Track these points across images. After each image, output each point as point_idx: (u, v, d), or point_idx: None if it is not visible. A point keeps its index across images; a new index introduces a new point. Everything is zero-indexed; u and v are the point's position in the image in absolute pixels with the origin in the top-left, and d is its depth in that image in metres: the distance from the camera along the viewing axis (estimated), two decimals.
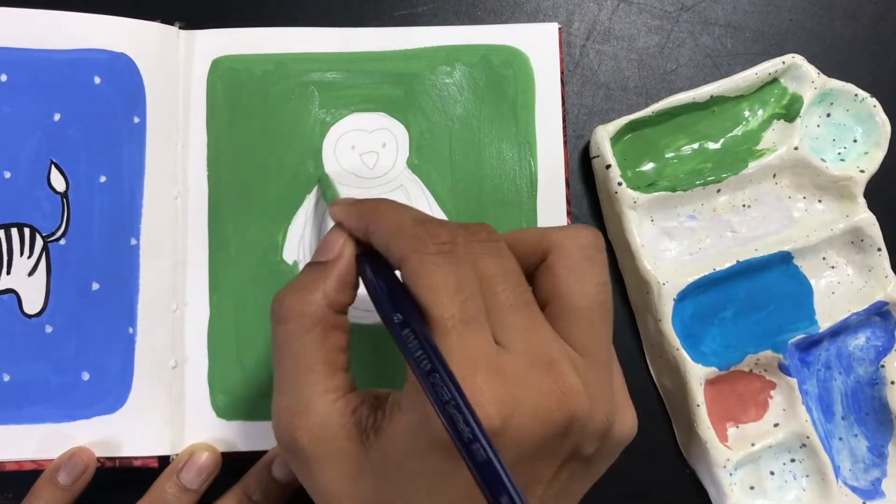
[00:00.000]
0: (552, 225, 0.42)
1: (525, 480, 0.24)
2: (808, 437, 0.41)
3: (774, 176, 0.43)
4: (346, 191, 0.42)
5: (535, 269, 0.28)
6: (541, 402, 0.23)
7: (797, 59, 0.42)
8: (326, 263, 0.28)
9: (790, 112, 0.43)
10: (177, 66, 0.42)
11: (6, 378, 0.39)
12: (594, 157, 0.42)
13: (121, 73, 0.40)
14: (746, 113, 0.43)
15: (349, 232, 0.28)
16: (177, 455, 0.40)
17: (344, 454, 0.26)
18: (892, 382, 0.42)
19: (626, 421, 0.27)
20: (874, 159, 0.42)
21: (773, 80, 0.43)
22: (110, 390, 0.39)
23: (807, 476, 0.42)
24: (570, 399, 0.23)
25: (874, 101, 0.42)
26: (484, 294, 0.24)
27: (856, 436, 0.43)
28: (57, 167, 0.40)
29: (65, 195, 0.40)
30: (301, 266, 0.41)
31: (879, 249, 0.42)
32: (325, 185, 0.40)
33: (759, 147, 0.43)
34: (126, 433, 0.39)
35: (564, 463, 0.25)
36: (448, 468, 0.23)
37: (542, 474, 0.25)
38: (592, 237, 0.27)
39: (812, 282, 0.43)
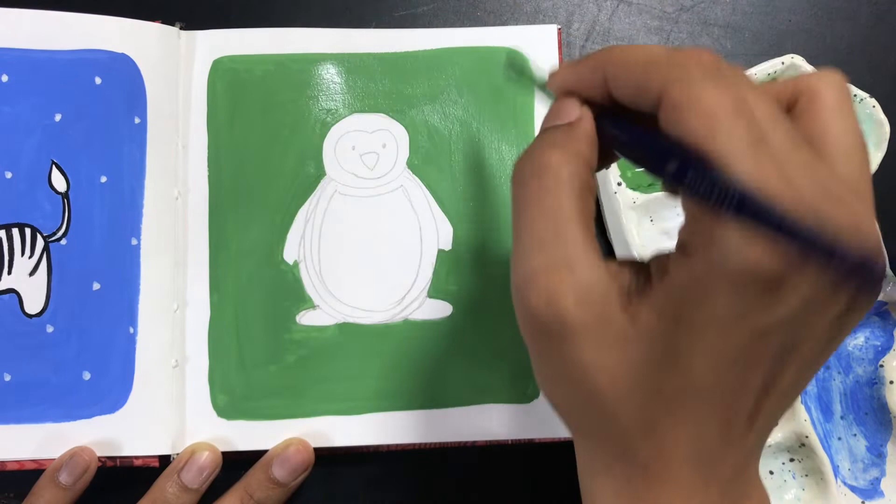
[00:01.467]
0: None
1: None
2: (807, 437, 0.41)
3: None
4: (346, 190, 0.42)
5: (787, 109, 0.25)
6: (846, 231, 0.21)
7: (796, 60, 0.42)
8: (570, 125, 0.25)
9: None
10: (177, 67, 0.42)
11: (7, 378, 0.39)
12: None
13: (121, 74, 0.41)
14: None
15: (580, 85, 0.25)
16: (177, 454, 0.40)
17: (612, 321, 0.23)
18: (891, 382, 0.42)
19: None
20: (873, 160, 0.42)
21: (773, 81, 0.43)
22: (111, 390, 0.39)
23: (806, 476, 0.42)
24: (863, 230, 0.22)
25: (873, 101, 0.42)
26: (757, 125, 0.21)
27: (855, 435, 0.43)
28: (58, 167, 0.40)
29: (65, 195, 0.40)
30: (301, 266, 0.41)
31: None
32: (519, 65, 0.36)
33: None
34: (127, 433, 0.39)
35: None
36: (749, 303, 0.21)
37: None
38: (843, 78, 0.25)
39: None
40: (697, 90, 0.21)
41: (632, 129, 0.24)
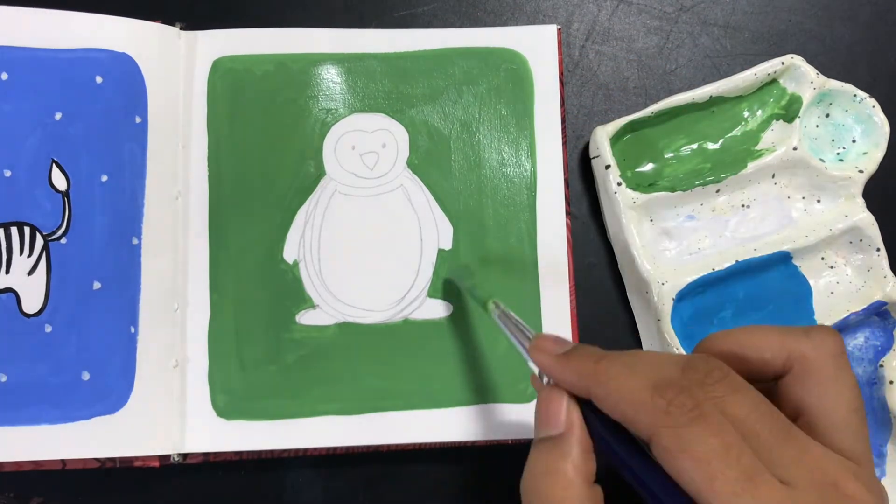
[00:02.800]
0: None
1: None
2: None
3: (773, 176, 0.43)
4: (346, 190, 0.42)
5: (772, 377, 0.26)
6: None
7: (796, 60, 0.42)
8: (561, 437, 0.26)
9: (789, 112, 0.43)
10: (178, 67, 0.42)
11: (4, 378, 0.39)
12: (594, 158, 0.42)
13: (122, 73, 0.41)
14: (745, 113, 0.44)
15: (561, 385, 0.27)
16: (177, 454, 0.40)
17: None
18: (891, 382, 0.42)
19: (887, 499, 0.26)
20: (873, 159, 0.42)
21: (773, 81, 0.43)
22: (111, 390, 0.39)
23: None
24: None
25: (873, 101, 0.42)
26: (746, 438, 0.23)
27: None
28: (58, 166, 0.40)
29: (66, 194, 0.40)
30: (301, 266, 0.41)
31: (878, 249, 0.42)
32: (465, 276, 0.38)
33: (758, 147, 0.43)
34: (126, 433, 0.39)
35: None
36: None
37: None
38: (838, 343, 0.26)
39: (811, 282, 0.43)
40: (687, 437, 0.22)
41: (627, 450, 0.25)
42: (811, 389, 0.25)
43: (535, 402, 0.41)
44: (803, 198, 0.43)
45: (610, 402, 0.25)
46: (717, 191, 0.43)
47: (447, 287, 0.42)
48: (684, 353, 0.40)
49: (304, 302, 0.41)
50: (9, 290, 0.39)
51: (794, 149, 0.42)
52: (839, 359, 0.25)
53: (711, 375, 0.24)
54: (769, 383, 0.26)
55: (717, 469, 0.22)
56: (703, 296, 0.42)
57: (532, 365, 0.28)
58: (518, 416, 0.41)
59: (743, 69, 0.42)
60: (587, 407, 0.26)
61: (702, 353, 0.26)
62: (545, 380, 0.28)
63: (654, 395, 0.23)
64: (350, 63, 0.43)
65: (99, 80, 0.40)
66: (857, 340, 0.43)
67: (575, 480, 0.25)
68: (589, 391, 0.25)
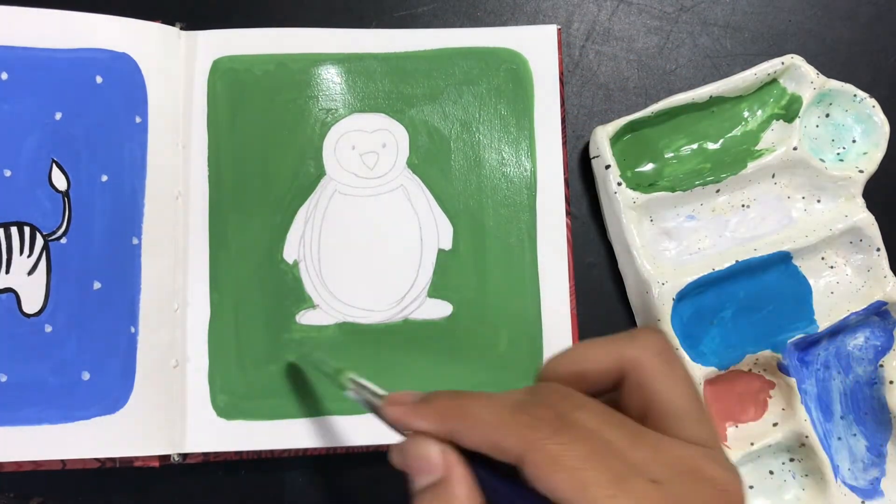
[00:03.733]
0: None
1: None
2: (807, 437, 0.41)
3: (773, 176, 0.43)
4: (346, 190, 0.42)
5: (608, 388, 0.27)
6: None
7: (796, 60, 0.42)
8: (443, 481, 0.25)
9: (789, 112, 0.43)
10: (178, 67, 0.42)
11: (4, 378, 0.39)
12: (594, 158, 0.42)
13: (122, 73, 0.41)
14: (746, 113, 0.44)
15: (424, 432, 0.26)
16: (177, 454, 0.40)
17: None
18: (891, 382, 0.42)
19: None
20: (873, 159, 0.42)
21: (773, 81, 0.43)
22: (112, 390, 0.39)
23: (806, 475, 0.42)
24: (731, 488, 0.24)
25: (873, 101, 0.43)
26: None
27: (854, 435, 0.43)
28: (58, 166, 0.40)
29: (66, 194, 0.40)
30: (301, 266, 0.41)
31: (878, 249, 0.42)
32: (325, 368, 0.37)
33: (758, 147, 0.43)
34: (127, 433, 0.39)
35: None
36: None
37: None
38: (660, 340, 0.27)
39: (811, 281, 0.43)
40: (556, 449, 0.23)
41: (506, 486, 0.24)
42: (646, 389, 0.26)
43: None
44: (803, 198, 0.43)
45: (476, 433, 0.24)
46: (717, 191, 0.43)
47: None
48: (685, 354, 0.41)
49: (304, 302, 0.41)
50: (9, 290, 0.39)
51: (794, 149, 0.42)
52: (665, 354, 0.26)
53: (553, 397, 0.25)
54: (613, 393, 0.27)
55: (589, 476, 0.22)
56: (703, 296, 0.42)
57: (392, 430, 0.28)
58: None
59: (743, 69, 0.42)
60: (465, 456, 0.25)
61: (541, 382, 0.27)
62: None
63: (515, 413, 0.24)
64: (350, 63, 0.43)
65: (99, 80, 0.40)
66: (857, 340, 0.43)
67: None
68: (451, 428, 0.25)
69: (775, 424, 0.42)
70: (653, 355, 0.26)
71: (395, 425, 0.28)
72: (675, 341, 0.41)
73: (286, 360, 0.41)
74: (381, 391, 0.30)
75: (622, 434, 0.24)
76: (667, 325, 0.41)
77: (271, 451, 0.40)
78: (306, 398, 0.41)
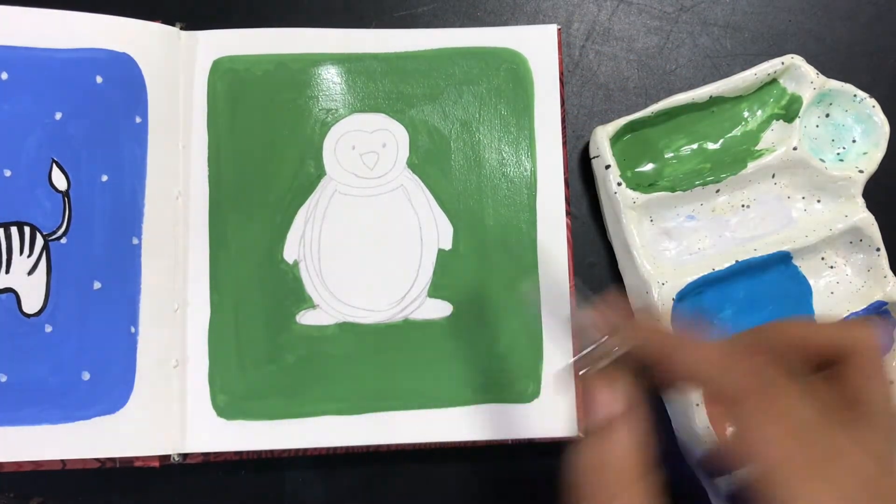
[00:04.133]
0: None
1: None
2: None
3: (773, 176, 0.43)
4: (346, 190, 0.42)
5: (820, 366, 0.28)
6: None
7: (796, 60, 0.42)
8: (618, 421, 0.26)
9: (789, 112, 0.43)
10: (178, 67, 0.42)
11: (4, 378, 0.39)
12: (594, 158, 0.42)
13: (122, 73, 0.41)
14: (745, 113, 0.44)
15: (638, 355, 0.27)
16: (177, 454, 0.40)
17: None
18: (891, 382, 0.42)
19: None
20: (873, 159, 0.42)
21: (773, 81, 0.43)
22: (112, 390, 0.39)
23: None
24: None
25: (873, 101, 0.43)
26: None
27: None
28: (58, 166, 0.40)
29: (66, 194, 0.40)
30: (301, 266, 0.41)
31: (878, 249, 0.42)
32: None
33: (758, 147, 0.43)
34: (127, 433, 0.39)
35: None
36: None
37: None
38: (877, 337, 0.28)
39: (811, 282, 0.43)
40: (781, 404, 0.24)
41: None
42: (863, 383, 0.26)
43: (535, 401, 0.41)
44: (803, 198, 0.43)
45: (692, 365, 0.25)
46: (717, 191, 0.43)
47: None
48: None
49: (305, 302, 0.41)
50: (9, 290, 0.39)
51: (794, 149, 0.42)
52: (879, 356, 0.27)
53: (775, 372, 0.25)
54: (818, 374, 0.28)
55: (802, 442, 0.23)
56: (703, 296, 0.42)
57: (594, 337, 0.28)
58: (518, 416, 0.41)
59: (743, 69, 0.42)
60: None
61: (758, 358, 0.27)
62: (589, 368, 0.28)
63: (739, 360, 0.25)
64: (350, 63, 0.43)
65: (99, 80, 0.40)
66: None
67: (631, 469, 0.25)
68: (670, 356, 0.26)
69: None
70: (873, 349, 0.27)
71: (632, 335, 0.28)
72: None
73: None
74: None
75: (826, 422, 0.24)
76: (667, 326, 0.41)
77: (271, 451, 0.40)
78: (306, 398, 0.41)
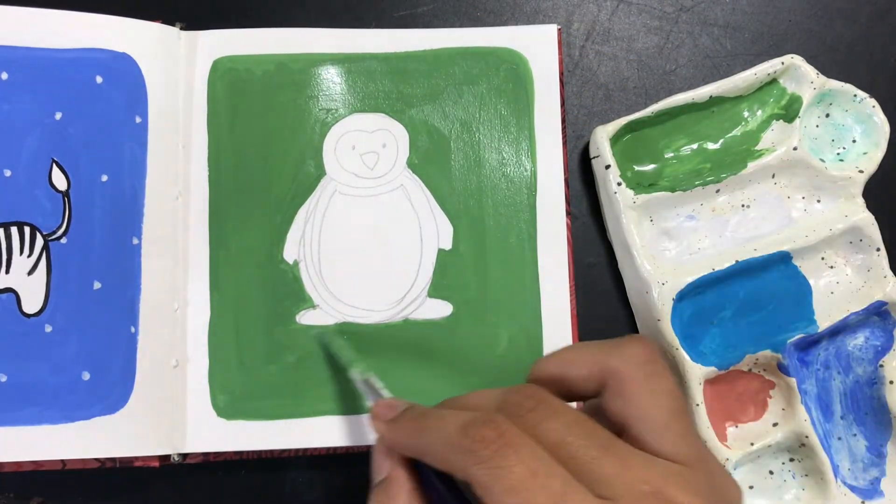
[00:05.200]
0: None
1: None
2: (807, 437, 0.41)
3: (773, 176, 0.43)
4: (346, 190, 0.42)
5: (592, 394, 0.27)
6: None
7: (796, 60, 0.42)
8: (386, 481, 0.28)
9: (789, 112, 0.43)
10: (178, 67, 0.42)
11: (4, 378, 0.39)
12: (594, 158, 0.42)
13: (122, 73, 0.41)
14: (745, 113, 0.44)
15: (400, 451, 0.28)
16: (177, 454, 0.40)
17: None
18: (891, 382, 0.42)
19: (735, 493, 0.26)
20: (873, 159, 0.42)
21: (773, 81, 0.43)
22: (112, 390, 0.39)
23: (805, 475, 0.42)
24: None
25: (873, 101, 0.43)
26: (562, 461, 0.23)
27: (854, 435, 0.43)
28: (58, 166, 0.40)
29: (66, 194, 0.40)
30: (301, 266, 0.42)
31: (878, 249, 0.42)
32: (336, 348, 0.40)
33: (758, 147, 0.43)
34: (127, 433, 0.39)
35: None
36: None
37: None
38: (648, 350, 0.27)
39: (811, 282, 0.43)
40: (495, 471, 0.23)
41: (441, 480, 0.27)
42: (627, 400, 0.26)
43: None
44: (803, 198, 0.43)
45: (430, 453, 0.26)
46: (717, 191, 0.43)
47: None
48: (685, 354, 0.41)
49: (305, 302, 0.41)
50: (9, 290, 0.39)
51: (794, 149, 0.42)
52: (649, 366, 0.26)
53: (524, 405, 0.25)
54: (597, 399, 0.27)
55: (527, 497, 0.22)
56: (703, 296, 0.42)
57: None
58: None
59: (743, 69, 0.42)
60: (426, 468, 0.27)
61: (523, 384, 0.27)
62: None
63: (460, 437, 0.24)
64: (350, 63, 0.43)
65: (99, 80, 0.40)
66: (857, 340, 0.43)
67: None
68: (415, 449, 0.27)
69: (775, 424, 0.42)
70: (635, 366, 0.26)
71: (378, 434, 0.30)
72: (676, 341, 0.40)
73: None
74: (384, 392, 0.32)
75: (590, 445, 0.24)
76: (667, 326, 0.41)
77: (271, 451, 0.40)
78: (306, 398, 0.41)
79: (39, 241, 0.40)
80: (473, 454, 0.24)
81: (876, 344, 0.43)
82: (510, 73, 0.43)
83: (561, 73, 0.43)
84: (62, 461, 0.39)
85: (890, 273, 0.42)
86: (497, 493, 0.23)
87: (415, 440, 0.27)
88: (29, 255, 0.39)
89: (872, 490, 0.42)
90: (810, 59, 0.42)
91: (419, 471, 0.28)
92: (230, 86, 0.42)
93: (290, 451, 0.41)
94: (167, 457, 0.40)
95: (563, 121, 0.43)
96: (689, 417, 0.27)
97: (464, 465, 0.24)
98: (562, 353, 0.28)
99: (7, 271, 0.39)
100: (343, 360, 0.37)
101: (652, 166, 0.43)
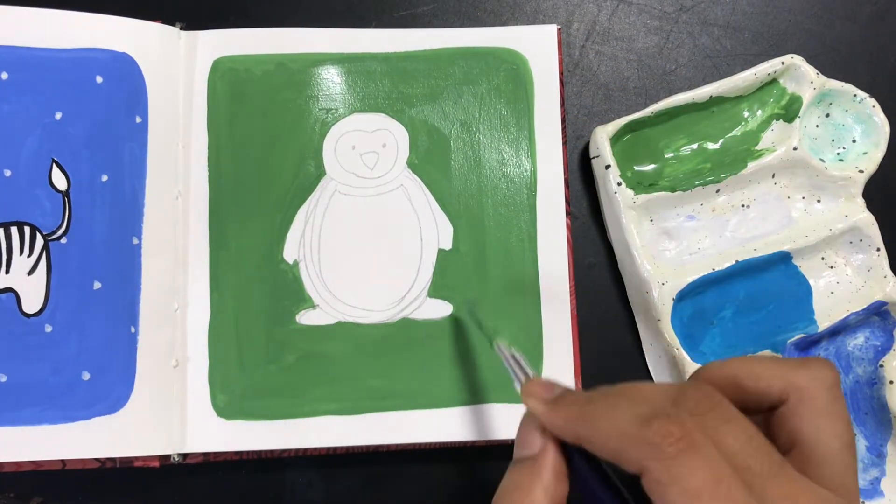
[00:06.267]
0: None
1: None
2: None
3: (773, 176, 0.43)
4: (346, 190, 0.42)
5: (767, 408, 0.26)
6: None
7: (796, 60, 0.42)
8: (533, 459, 0.27)
9: (789, 112, 0.43)
10: (178, 67, 0.42)
11: (4, 378, 0.39)
12: (594, 158, 0.42)
13: (123, 73, 0.41)
14: (745, 113, 0.44)
15: (556, 434, 0.27)
16: (177, 454, 0.40)
17: None
18: (891, 382, 0.42)
19: None
20: (873, 159, 0.42)
21: (773, 81, 0.43)
22: (112, 390, 0.39)
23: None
24: None
25: (873, 101, 0.42)
26: (737, 471, 0.22)
27: (854, 435, 0.43)
28: (58, 166, 0.40)
29: (66, 194, 0.40)
30: (301, 265, 0.41)
31: (878, 249, 0.42)
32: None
33: (758, 147, 0.43)
34: (127, 433, 0.39)
35: None
36: None
37: None
38: (833, 374, 0.26)
39: (811, 282, 0.43)
40: (677, 469, 0.22)
41: (596, 468, 0.26)
42: (807, 420, 0.25)
43: None
44: (803, 198, 0.43)
45: (598, 442, 0.25)
46: (717, 191, 0.43)
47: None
48: (685, 354, 0.41)
49: (304, 302, 0.41)
50: (9, 290, 0.39)
51: (794, 149, 0.42)
52: (834, 390, 0.25)
53: (702, 405, 0.24)
54: (762, 414, 0.26)
55: (709, 500, 0.21)
56: (703, 296, 0.42)
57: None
58: (517, 416, 0.41)
59: (743, 69, 0.42)
60: (578, 454, 0.26)
61: (695, 382, 0.26)
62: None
63: (641, 428, 0.23)
64: (350, 63, 0.43)
65: (99, 79, 0.40)
66: (857, 340, 0.43)
67: (542, 499, 0.26)
68: (577, 435, 0.25)
69: None
70: (823, 387, 0.25)
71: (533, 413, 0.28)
72: (676, 341, 0.40)
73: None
74: (527, 368, 0.31)
75: (763, 461, 0.23)
76: (667, 326, 0.41)
77: (271, 451, 0.40)
78: (306, 398, 0.41)
79: (39, 241, 0.40)
80: (656, 448, 0.22)
81: (876, 344, 0.43)
82: (510, 73, 0.43)
83: (561, 74, 0.43)
84: (62, 461, 0.39)
85: (890, 273, 0.42)
86: (675, 493, 0.22)
87: (579, 425, 0.25)
88: (29, 255, 0.39)
89: (872, 490, 0.42)
90: (810, 59, 0.42)
91: (568, 455, 0.27)
92: (230, 86, 0.42)
93: (290, 451, 0.41)
94: (167, 457, 0.40)
95: (563, 121, 0.43)
96: (856, 453, 0.26)
97: (639, 458, 0.23)
98: (740, 360, 0.27)
99: (7, 271, 0.39)
100: (489, 331, 0.36)
101: (652, 166, 0.43)
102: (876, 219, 0.42)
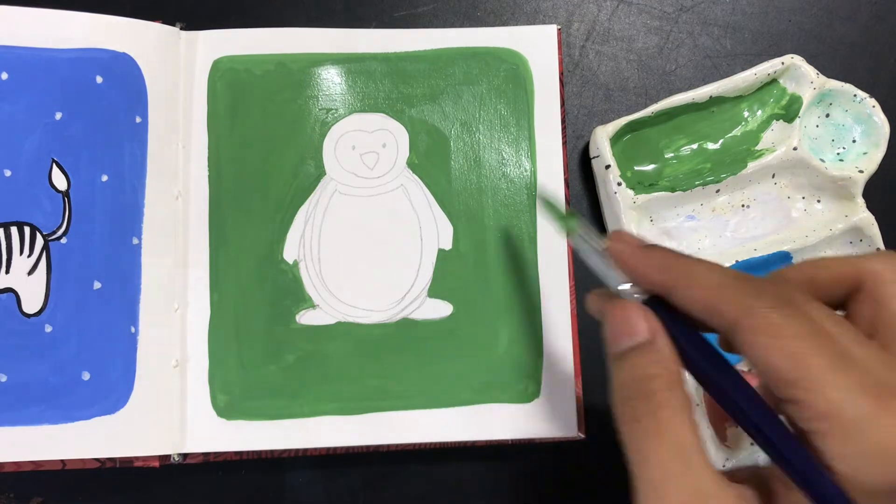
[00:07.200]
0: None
1: None
2: None
3: (773, 176, 0.43)
4: (346, 190, 0.42)
5: (838, 300, 0.26)
6: None
7: (796, 60, 0.42)
8: (649, 343, 0.25)
9: (789, 112, 0.43)
10: (178, 67, 0.42)
11: (4, 378, 0.39)
12: (594, 158, 0.42)
13: (123, 73, 0.41)
14: (745, 113, 0.44)
15: (639, 279, 0.26)
16: (177, 454, 0.40)
17: None
18: None
19: None
20: (873, 159, 0.42)
21: (773, 81, 0.43)
22: (112, 390, 0.39)
23: None
24: None
25: (873, 101, 0.42)
26: (830, 335, 0.22)
27: None
28: (58, 166, 0.40)
29: (66, 194, 0.40)
30: (301, 265, 0.41)
31: (878, 250, 0.42)
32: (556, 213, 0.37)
33: (758, 147, 0.43)
34: (127, 433, 0.39)
35: None
36: None
37: None
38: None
39: None
40: (776, 318, 0.22)
41: (703, 350, 0.25)
42: (883, 305, 0.24)
43: (535, 401, 0.41)
44: (803, 198, 0.43)
45: (695, 292, 0.24)
46: (717, 191, 0.43)
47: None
48: None
49: (304, 302, 0.41)
50: (9, 290, 0.39)
51: (794, 149, 0.42)
52: None
53: (782, 286, 0.24)
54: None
55: (809, 351, 0.21)
56: None
57: (608, 276, 0.28)
58: (518, 416, 0.41)
59: (743, 69, 0.42)
60: (659, 308, 0.25)
61: (773, 279, 0.26)
62: (620, 287, 0.27)
63: (739, 280, 0.23)
64: (350, 63, 0.43)
65: (99, 80, 0.40)
66: None
67: (678, 383, 0.24)
68: (668, 284, 0.25)
69: None
70: (887, 275, 0.25)
71: (618, 263, 0.27)
72: None
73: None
74: (602, 238, 0.29)
75: (849, 336, 0.23)
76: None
77: (271, 451, 0.40)
78: (306, 398, 0.41)
79: (39, 241, 0.40)
80: (757, 298, 0.22)
81: None
82: (510, 73, 0.43)
83: (561, 74, 0.43)
84: (62, 461, 0.39)
85: None
86: (773, 340, 0.22)
87: (676, 271, 0.25)
88: (29, 255, 0.39)
89: None
90: (810, 59, 0.42)
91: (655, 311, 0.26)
92: (230, 86, 0.42)
93: (290, 451, 0.41)
94: (167, 457, 0.40)
95: (563, 121, 0.43)
96: None
97: (738, 308, 0.23)
98: (809, 260, 0.27)
99: (7, 271, 0.39)
100: (560, 213, 0.34)
101: (652, 166, 0.43)
102: (876, 219, 0.42)
